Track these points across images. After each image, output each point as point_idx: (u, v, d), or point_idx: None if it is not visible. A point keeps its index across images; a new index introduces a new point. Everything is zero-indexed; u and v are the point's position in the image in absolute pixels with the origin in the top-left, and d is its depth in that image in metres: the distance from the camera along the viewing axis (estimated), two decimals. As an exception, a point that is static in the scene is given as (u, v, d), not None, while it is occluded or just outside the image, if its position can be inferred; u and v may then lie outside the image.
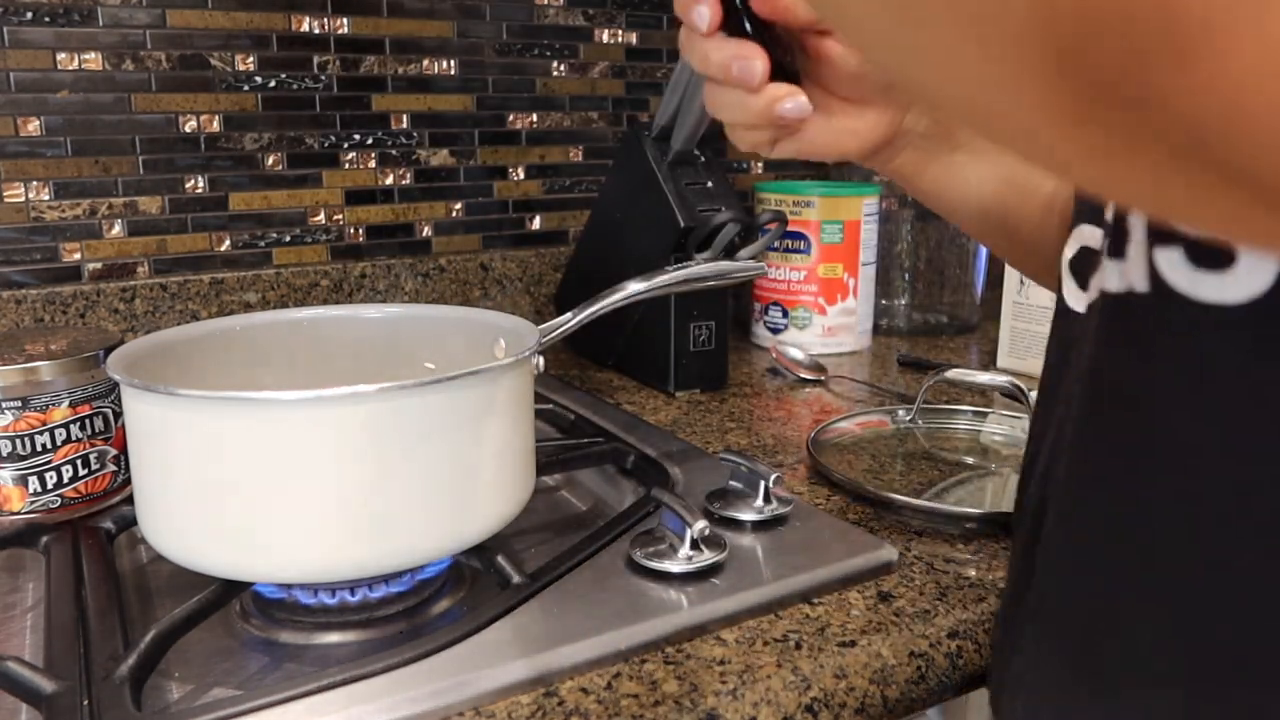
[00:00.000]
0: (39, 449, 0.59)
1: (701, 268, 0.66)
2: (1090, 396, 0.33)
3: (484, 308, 0.63)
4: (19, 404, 0.58)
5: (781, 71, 0.41)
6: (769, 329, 1.03)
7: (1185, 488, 0.29)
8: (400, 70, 0.98)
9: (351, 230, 0.99)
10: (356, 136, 0.98)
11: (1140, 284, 0.28)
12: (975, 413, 0.78)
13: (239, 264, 0.94)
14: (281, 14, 0.92)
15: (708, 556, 0.52)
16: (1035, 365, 0.66)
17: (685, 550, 0.52)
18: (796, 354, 0.95)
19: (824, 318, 1.01)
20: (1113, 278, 0.30)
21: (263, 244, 0.95)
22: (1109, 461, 0.32)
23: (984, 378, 0.75)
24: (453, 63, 1.01)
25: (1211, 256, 0.25)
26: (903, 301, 1.12)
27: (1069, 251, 0.38)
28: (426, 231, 1.03)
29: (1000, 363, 0.97)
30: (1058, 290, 0.39)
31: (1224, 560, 0.28)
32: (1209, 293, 0.26)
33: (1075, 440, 0.34)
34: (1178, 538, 0.29)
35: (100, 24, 0.85)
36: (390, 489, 0.47)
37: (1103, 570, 0.33)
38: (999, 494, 0.66)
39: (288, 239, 0.96)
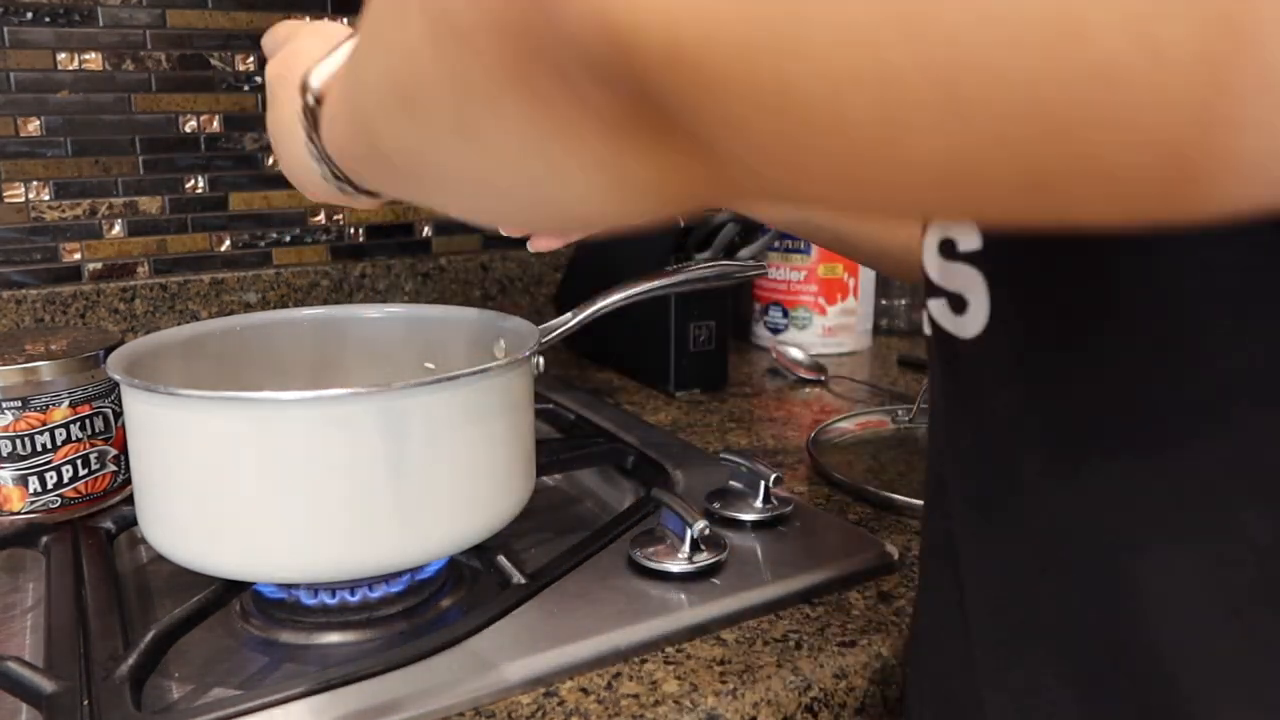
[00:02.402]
0: (39, 449, 0.59)
1: (702, 268, 0.66)
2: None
3: (484, 308, 0.63)
4: (19, 404, 0.58)
5: None
6: (769, 329, 1.03)
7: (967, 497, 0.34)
8: (400, 70, 0.98)
9: (351, 230, 0.99)
10: (356, 136, 0.97)
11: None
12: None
13: (239, 264, 0.94)
14: (281, 14, 0.92)
15: (708, 556, 0.52)
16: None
17: (685, 550, 0.52)
18: (797, 354, 0.95)
19: (824, 318, 1.00)
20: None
21: (263, 244, 0.95)
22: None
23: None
24: (453, 63, 1.01)
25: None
26: (903, 301, 1.12)
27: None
28: (426, 231, 1.03)
29: (1000, 363, 0.97)
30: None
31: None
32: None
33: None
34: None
35: (100, 24, 0.85)
36: (390, 489, 0.47)
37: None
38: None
39: (288, 239, 0.96)
